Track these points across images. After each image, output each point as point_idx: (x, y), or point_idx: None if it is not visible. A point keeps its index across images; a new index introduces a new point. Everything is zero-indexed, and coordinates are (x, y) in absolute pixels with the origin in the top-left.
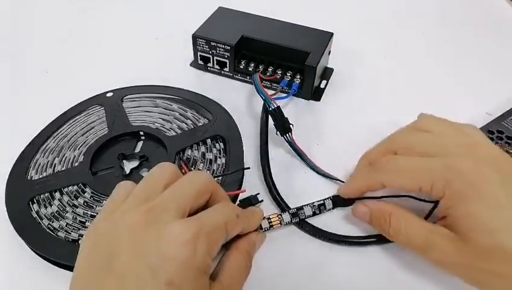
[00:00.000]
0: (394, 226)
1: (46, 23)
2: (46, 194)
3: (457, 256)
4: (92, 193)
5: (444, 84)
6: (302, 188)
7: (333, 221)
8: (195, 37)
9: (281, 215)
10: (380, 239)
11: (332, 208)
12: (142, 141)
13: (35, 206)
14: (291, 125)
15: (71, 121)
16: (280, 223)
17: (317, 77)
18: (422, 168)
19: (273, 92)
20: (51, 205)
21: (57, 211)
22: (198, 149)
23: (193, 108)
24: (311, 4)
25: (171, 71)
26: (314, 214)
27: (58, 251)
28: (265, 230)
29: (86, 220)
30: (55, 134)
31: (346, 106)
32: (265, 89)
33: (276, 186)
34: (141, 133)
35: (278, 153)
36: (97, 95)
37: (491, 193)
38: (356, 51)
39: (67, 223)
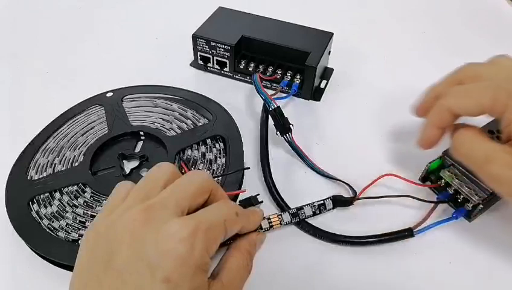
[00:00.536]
0: (458, 138)
1: (46, 23)
2: (46, 194)
3: None
4: (92, 193)
5: None
6: (302, 188)
7: (333, 221)
8: (195, 37)
9: (281, 215)
10: (380, 239)
11: (332, 208)
12: (142, 141)
13: (35, 206)
14: (291, 125)
15: (71, 121)
16: (280, 223)
17: (317, 77)
18: (486, 85)
19: (273, 92)
20: (51, 205)
21: (57, 211)
22: (198, 149)
23: (193, 108)
24: (311, 4)
25: (171, 71)
26: (314, 214)
27: (58, 251)
28: (265, 230)
29: (86, 220)
30: (55, 134)
31: (346, 106)
32: (265, 89)
33: (276, 186)
34: (141, 133)
35: (278, 153)
36: (97, 95)
37: None
38: (356, 51)
39: (67, 223)
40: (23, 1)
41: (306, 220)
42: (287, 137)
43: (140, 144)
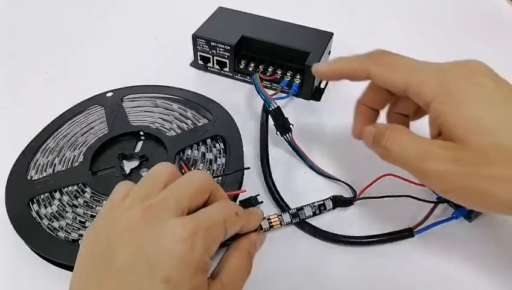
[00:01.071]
0: (391, 139)
1: (46, 23)
2: (46, 194)
3: (457, 164)
4: (92, 192)
5: None
6: (302, 188)
7: (333, 221)
8: (195, 37)
9: (281, 215)
10: (380, 239)
11: (333, 208)
12: (142, 141)
13: (35, 206)
14: (291, 125)
15: (71, 121)
16: (280, 224)
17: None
18: (416, 67)
19: (273, 92)
20: (51, 205)
21: (57, 211)
22: (198, 149)
23: (193, 108)
24: (311, 4)
25: (171, 71)
26: (314, 214)
27: (58, 251)
28: (265, 230)
29: (86, 220)
30: (55, 134)
31: (346, 106)
32: (265, 89)
33: (276, 186)
34: (141, 133)
35: (278, 153)
36: (97, 95)
37: (486, 95)
38: (356, 51)
39: (67, 223)
40: (23, 1)
41: (306, 220)
42: (287, 137)
43: (140, 144)
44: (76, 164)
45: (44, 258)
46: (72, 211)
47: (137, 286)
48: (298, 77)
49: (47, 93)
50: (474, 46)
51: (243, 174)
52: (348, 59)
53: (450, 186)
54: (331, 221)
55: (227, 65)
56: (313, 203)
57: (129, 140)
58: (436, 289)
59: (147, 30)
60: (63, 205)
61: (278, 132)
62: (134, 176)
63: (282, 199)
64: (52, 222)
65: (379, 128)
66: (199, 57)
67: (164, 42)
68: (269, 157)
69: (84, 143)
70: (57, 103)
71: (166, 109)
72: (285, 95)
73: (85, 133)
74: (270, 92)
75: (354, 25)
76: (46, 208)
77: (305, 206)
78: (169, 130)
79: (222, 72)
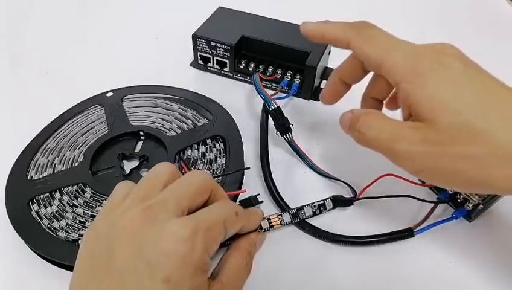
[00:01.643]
0: (365, 123)
1: (46, 23)
2: (46, 194)
3: (424, 144)
4: (92, 193)
5: None
6: (302, 188)
7: (333, 221)
8: (195, 37)
9: (281, 215)
10: (380, 239)
11: (333, 208)
12: (142, 141)
13: (35, 206)
14: (291, 125)
15: (71, 121)
16: (280, 224)
17: (317, 77)
18: (394, 45)
19: (273, 92)
20: (51, 205)
21: (57, 211)
22: (198, 149)
23: (193, 108)
24: (311, 4)
25: (171, 71)
26: (314, 214)
27: (58, 251)
28: (265, 230)
29: (86, 220)
30: (55, 134)
31: (346, 106)
32: (265, 89)
33: (276, 186)
34: (141, 133)
35: (278, 153)
36: (97, 95)
37: (453, 76)
38: None
39: (67, 223)
40: (23, 1)
41: (306, 220)
42: (287, 137)
43: (140, 144)
44: (76, 164)
45: (44, 258)
46: (72, 211)
47: (137, 286)
48: (298, 77)
49: (47, 93)
50: (474, 46)
51: (243, 174)
52: (334, 26)
53: (419, 166)
54: (331, 221)
55: (227, 65)
56: (313, 203)
57: (129, 140)
58: (436, 289)
59: (147, 30)
60: (63, 205)
61: (278, 132)
62: (134, 176)
63: (282, 199)
64: (52, 222)
65: (355, 113)
66: (199, 57)
67: (164, 42)
68: (269, 157)
69: (84, 143)
70: (57, 103)
71: (166, 109)
72: (285, 95)
73: (85, 133)
74: (270, 92)
75: None
76: (46, 208)
77: (305, 206)
78: (169, 130)
79: (222, 72)
